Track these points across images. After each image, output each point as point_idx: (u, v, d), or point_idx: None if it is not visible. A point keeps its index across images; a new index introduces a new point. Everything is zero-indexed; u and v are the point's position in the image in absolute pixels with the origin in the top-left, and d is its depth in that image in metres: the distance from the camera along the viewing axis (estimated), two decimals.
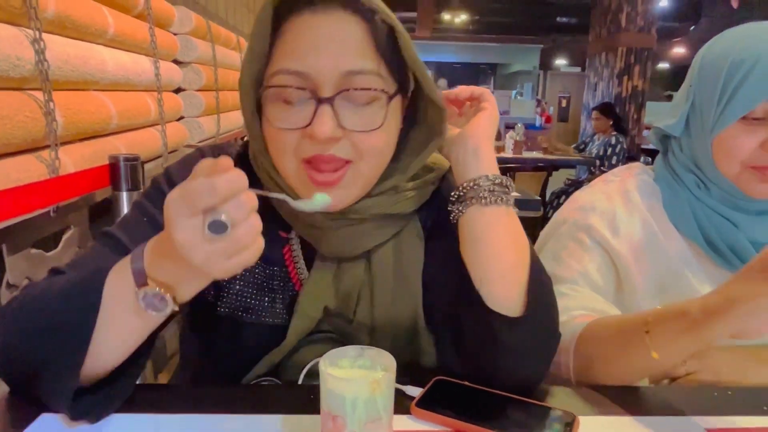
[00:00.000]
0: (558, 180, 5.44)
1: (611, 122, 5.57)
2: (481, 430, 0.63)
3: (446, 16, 13.36)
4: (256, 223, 0.54)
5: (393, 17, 0.70)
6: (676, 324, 0.69)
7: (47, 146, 1.22)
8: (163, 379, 1.71)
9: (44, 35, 1.17)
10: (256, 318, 0.80)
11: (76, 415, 0.61)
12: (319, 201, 0.65)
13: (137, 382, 0.68)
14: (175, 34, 2.27)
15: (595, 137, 5.75)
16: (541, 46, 14.88)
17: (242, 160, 0.80)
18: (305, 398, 0.68)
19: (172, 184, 0.54)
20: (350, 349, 0.59)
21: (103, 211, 1.46)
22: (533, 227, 3.03)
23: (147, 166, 1.67)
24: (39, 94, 1.19)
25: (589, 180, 1.14)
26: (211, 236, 0.51)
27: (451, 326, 0.76)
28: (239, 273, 0.80)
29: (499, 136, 5.64)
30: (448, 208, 0.75)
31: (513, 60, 17.24)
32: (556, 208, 1.07)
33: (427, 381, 0.72)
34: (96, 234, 0.78)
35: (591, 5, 7.93)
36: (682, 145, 0.99)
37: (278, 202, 0.78)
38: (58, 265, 0.72)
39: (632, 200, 0.99)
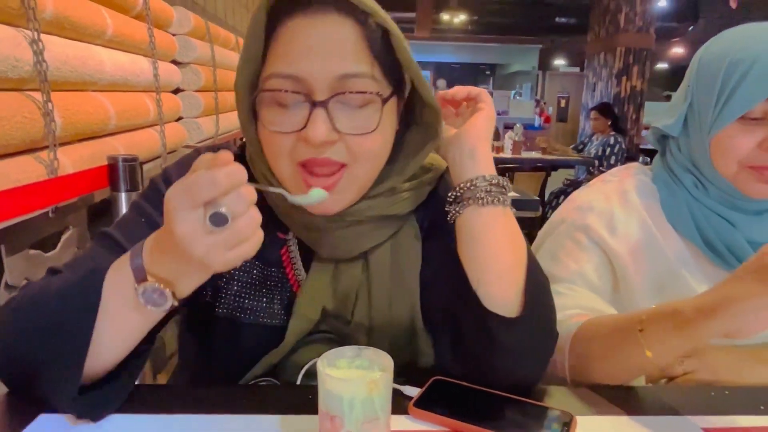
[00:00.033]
0: (557, 180, 5.45)
1: (609, 122, 5.58)
2: (479, 430, 0.63)
3: (445, 17, 13.37)
4: (256, 215, 0.55)
5: (387, 19, 0.70)
6: (669, 323, 0.70)
7: (46, 147, 1.22)
8: (162, 379, 1.71)
9: (43, 36, 1.17)
10: (254, 319, 0.80)
11: (81, 413, 0.62)
12: (314, 195, 0.66)
13: (136, 383, 0.69)
14: (173, 35, 2.27)
15: (594, 137, 5.76)
16: (540, 46, 14.87)
17: (240, 162, 0.80)
18: (303, 398, 0.68)
19: (169, 185, 0.55)
20: (348, 350, 0.59)
21: (102, 211, 1.46)
22: (532, 227, 3.03)
23: (146, 167, 1.67)
24: (37, 95, 1.19)
25: (588, 180, 1.14)
26: (212, 228, 0.52)
27: (449, 326, 0.76)
28: (237, 274, 0.81)
29: (498, 137, 5.65)
30: (446, 209, 0.75)
31: (512, 60, 17.24)
32: (554, 209, 1.07)
33: (424, 381, 0.72)
34: (94, 234, 0.78)
35: (590, 6, 7.94)
36: (680, 145, 1.00)
37: (275, 204, 0.78)
38: (55, 265, 0.72)
39: (630, 200, 0.99)
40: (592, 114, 5.80)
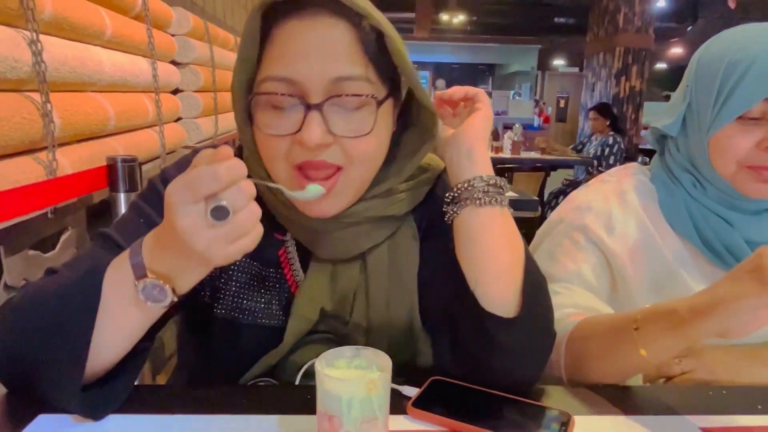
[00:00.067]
0: (556, 180, 5.45)
1: (608, 122, 5.58)
2: (477, 429, 0.63)
3: (444, 17, 13.35)
4: (256, 209, 0.56)
5: (382, 21, 0.70)
6: (664, 322, 0.70)
7: (45, 148, 1.21)
8: (161, 380, 1.71)
9: (41, 37, 1.17)
10: (253, 320, 0.80)
11: (83, 412, 0.62)
12: (312, 191, 0.67)
13: (135, 383, 0.69)
14: (172, 35, 2.27)
15: (593, 137, 5.76)
16: (539, 46, 14.87)
17: None
18: (302, 398, 0.68)
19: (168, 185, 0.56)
20: (346, 350, 0.59)
21: (101, 212, 1.46)
22: (531, 227, 3.02)
23: (145, 168, 1.67)
24: (36, 96, 1.19)
25: (587, 180, 1.15)
26: (214, 222, 0.53)
27: (447, 326, 0.76)
28: (236, 275, 0.81)
29: (497, 137, 5.65)
30: (443, 209, 0.75)
31: (511, 60, 17.24)
32: (554, 209, 1.08)
33: (423, 381, 0.72)
34: (93, 235, 0.78)
35: (589, 6, 7.94)
36: (679, 145, 1.00)
37: (273, 206, 0.79)
38: (54, 266, 0.72)
39: (628, 200, 1.00)
40: (591, 114, 5.81)
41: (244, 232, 0.55)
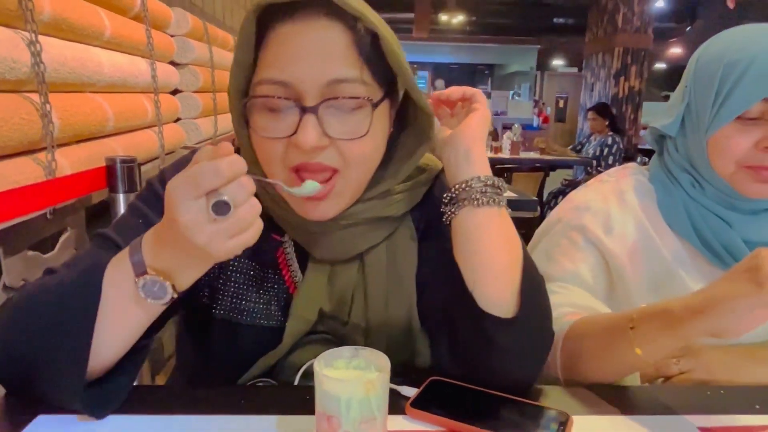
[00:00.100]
0: (555, 180, 5.45)
1: (607, 122, 5.58)
2: (476, 430, 0.63)
3: (443, 17, 13.37)
4: (256, 204, 0.57)
5: (377, 23, 0.70)
6: (659, 321, 0.70)
7: (44, 148, 1.21)
8: (160, 380, 1.71)
9: (40, 37, 1.17)
10: (251, 320, 0.80)
11: (85, 411, 0.62)
12: (309, 187, 0.68)
13: (134, 384, 0.69)
14: (171, 36, 2.27)
15: (592, 137, 5.76)
16: (538, 46, 14.87)
17: None
18: (301, 399, 0.68)
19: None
20: (345, 350, 0.59)
21: (100, 213, 1.46)
22: (530, 228, 3.02)
23: (144, 168, 1.67)
24: (35, 97, 1.19)
25: (586, 180, 1.15)
26: (215, 217, 0.54)
27: (446, 327, 0.76)
28: (234, 275, 0.81)
29: (496, 137, 5.65)
30: (441, 210, 0.75)
31: (510, 61, 17.25)
32: (553, 209, 1.08)
33: (422, 381, 0.72)
34: (92, 236, 0.78)
35: (588, 6, 7.95)
36: (678, 145, 1.00)
37: (271, 207, 0.79)
38: (53, 266, 0.72)
39: (627, 200, 1.00)
40: (590, 114, 5.81)
41: (245, 226, 0.56)
